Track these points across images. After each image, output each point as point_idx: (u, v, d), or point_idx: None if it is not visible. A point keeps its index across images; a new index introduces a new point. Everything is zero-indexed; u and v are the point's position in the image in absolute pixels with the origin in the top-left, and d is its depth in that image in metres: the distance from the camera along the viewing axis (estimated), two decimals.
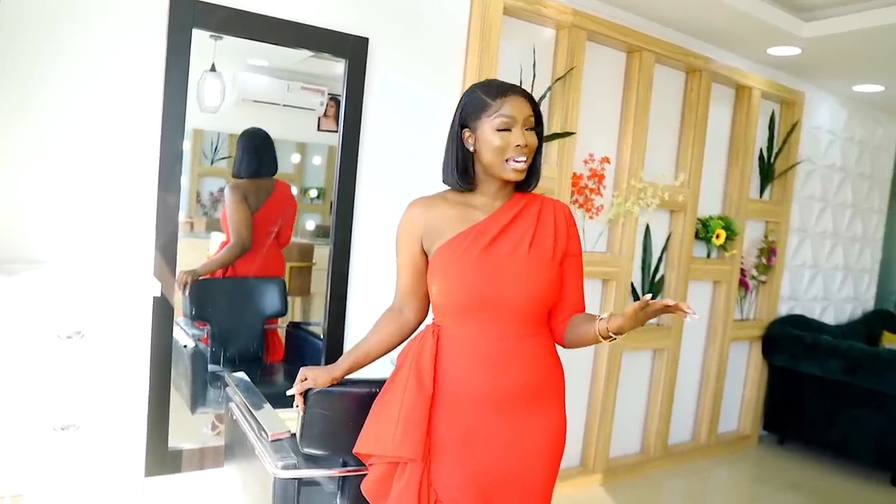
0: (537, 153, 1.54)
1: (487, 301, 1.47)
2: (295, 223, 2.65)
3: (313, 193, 2.72)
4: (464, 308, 1.49)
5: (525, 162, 1.48)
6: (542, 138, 1.55)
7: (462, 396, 1.48)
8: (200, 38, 2.18)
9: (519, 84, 2.79)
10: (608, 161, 3.16)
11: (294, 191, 2.66)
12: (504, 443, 1.48)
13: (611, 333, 1.42)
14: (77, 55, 1.99)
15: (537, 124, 1.53)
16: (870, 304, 5.19)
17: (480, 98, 1.51)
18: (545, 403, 1.53)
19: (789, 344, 4.03)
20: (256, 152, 2.50)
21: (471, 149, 1.53)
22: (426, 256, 1.57)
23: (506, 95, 1.48)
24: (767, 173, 4.03)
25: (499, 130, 1.47)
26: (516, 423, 1.49)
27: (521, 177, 1.50)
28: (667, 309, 1.31)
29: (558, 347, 1.61)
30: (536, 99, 1.91)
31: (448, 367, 1.50)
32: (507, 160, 1.48)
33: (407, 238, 1.59)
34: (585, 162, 3.11)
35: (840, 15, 3.19)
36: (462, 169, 1.55)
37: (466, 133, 1.53)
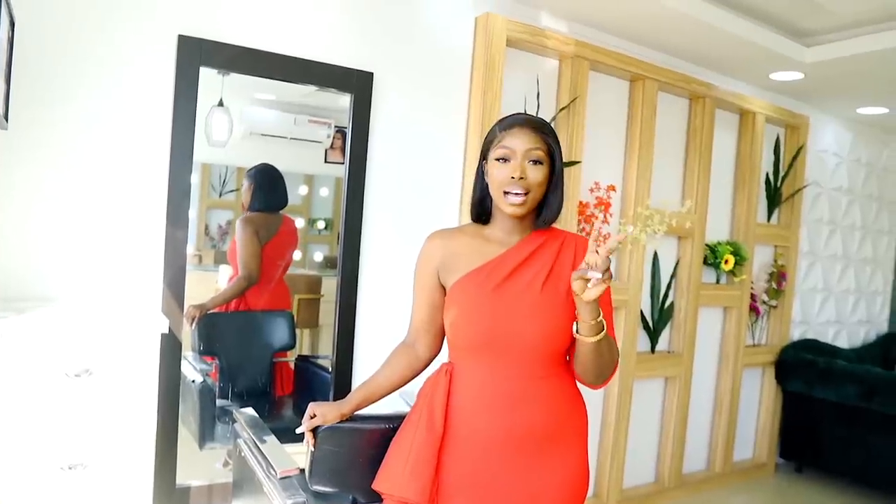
0: (554, 190, 1.49)
1: (497, 339, 1.43)
2: (304, 255, 2.66)
3: (321, 225, 2.74)
4: (475, 345, 1.46)
5: (522, 196, 1.43)
6: (558, 173, 1.49)
7: (473, 437, 1.44)
8: (208, 74, 2.21)
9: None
10: (614, 189, 3.16)
11: (301, 222, 2.67)
12: (515, 486, 1.43)
13: (581, 320, 1.34)
14: (86, 93, 2.02)
15: (553, 159, 1.48)
16: (884, 327, 5.13)
17: (493, 130, 1.51)
18: (563, 446, 1.47)
19: (803, 369, 3.97)
20: (270, 188, 2.52)
21: (487, 181, 1.51)
22: (443, 290, 1.54)
23: (511, 127, 1.46)
24: (774, 197, 4.02)
25: (497, 161, 1.46)
26: (530, 467, 1.43)
27: (518, 211, 1.45)
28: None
29: (585, 390, 1.54)
30: None
31: (460, 407, 1.46)
32: (505, 193, 1.44)
33: (424, 270, 1.56)
34: (591, 190, 3.11)
35: (842, 40, 3.21)
36: (479, 200, 1.54)
37: (485, 165, 1.52)
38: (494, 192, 1.47)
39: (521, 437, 1.43)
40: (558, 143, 1.51)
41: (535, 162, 1.45)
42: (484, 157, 1.53)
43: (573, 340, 1.45)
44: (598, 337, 1.37)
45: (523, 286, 1.45)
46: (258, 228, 2.51)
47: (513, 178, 1.43)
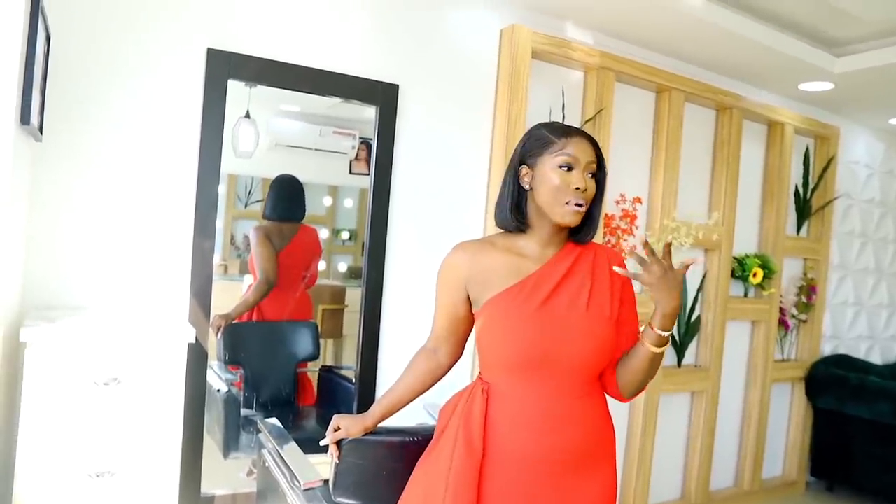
0: (596, 203, 1.45)
1: (546, 359, 1.38)
2: (328, 265, 2.67)
3: (345, 235, 2.75)
4: (517, 366, 1.40)
5: (583, 207, 1.39)
6: (602, 188, 1.46)
7: (512, 458, 1.40)
8: (235, 86, 2.24)
9: None
10: (640, 201, 3.13)
11: (326, 233, 2.68)
12: None
13: (657, 331, 1.37)
14: (117, 105, 2.06)
15: (599, 172, 1.44)
16: None
17: (545, 135, 1.44)
18: (597, 466, 1.44)
19: (834, 385, 3.88)
20: (289, 199, 2.54)
21: (526, 187, 1.45)
22: (469, 304, 1.50)
23: (571, 135, 1.41)
24: (804, 209, 3.95)
25: (560, 168, 1.40)
26: (566, 487, 1.40)
27: (577, 221, 1.40)
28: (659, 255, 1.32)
29: (614, 405, 1.53)
30: None
31: (498, 428, 1.41)
32: (565, 202, 1.39)
33: (449, 282, 1.50)
34: (617, 202, 3.08)
35: (872, 49, 3.15)
36: (514, 206, 1.46)
37: (524, 170, 1.45)
38: (550, 198, 1.40)
39: (559, 457, 1.40)
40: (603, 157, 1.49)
41: (593, 175, 1.42)
42: (523, 161, 1.46)
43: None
44: (663, 349, 1.39)
45: (568, 304, 1.41)
46: (270, 235, 2.53)
47: (577, 188, 1.38)
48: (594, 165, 1.42)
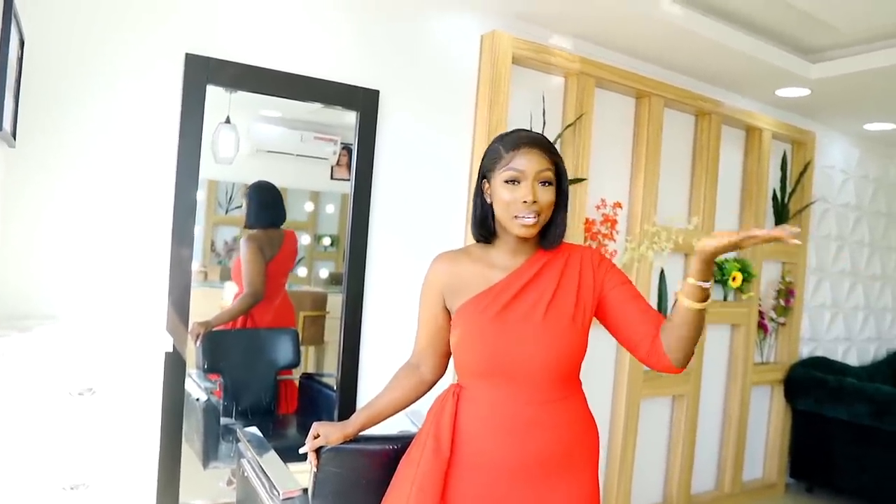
0: (560, 209, 1.46)
1: (501, 366, 1.41)
2: (309, 271, 2.65)
3: (326, 241, 2.73)
4: (480, 372, 1.44)
5: (534, 219, 1.40)
6: (564, 194, 1.46)
7: (480, 462, 1.42)
8: (215, 91, 2.22)
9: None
10: (620, 206, 3.15)
11: (307, 239, 2.67)
12: None
13: (697, 283, 1.30)
14: (92, 111, 2.03)
15: (561, 179, 1.45)
16: (894, 344, 5.07)
17: (497, 149, 1.45)
18: (571, 473, 1.43)
19: (813, 387, 3.92)
20: (272, 205, 2.52)
21: (489, 200, 1.48)
22: (448, 313, 1.53)
23: (519, 148, 1.41)
24: (782, 214, 4.00)
25: (507, 183, 1.41)
26: (540, 493, 1.40)
27: (530, 233, 1.42)
28: (769, 238, 1.20)
29: (595, 408, 1.53)
30: None
31: (467, 430, 1.44)
32: (514, 216, 1.40)
33: (429, 293, 1.54)
34: (598, 207, 3.10)
35: (847, 56, 3.20)
36: (480, 221, 1.49)
37: (485, 185, 1.48)
38: (503, 214, 1.43)
39: (532, 463, 1.40)
40: (562, 160, 1.48)
41: (546, 183, 1.42)
42: (484, 175, 1.49)
43: (582, 360, 1.45)
44: (703, 304, 1.32)
45: (526, 311, 1.43)
46: (262, 245, 2.50)
47: (525, 202, 1.39)
48: (548, 173, 1.42)
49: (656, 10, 2.71)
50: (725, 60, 3.15)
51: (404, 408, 1.61)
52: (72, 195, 2.01)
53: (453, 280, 1.50)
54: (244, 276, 2.47)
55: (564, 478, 1.43)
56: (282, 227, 2.58)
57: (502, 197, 1.42)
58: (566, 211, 1.49)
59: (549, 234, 1.47)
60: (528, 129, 1.60)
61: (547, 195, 1.42)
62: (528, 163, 1.40)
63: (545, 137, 1.48)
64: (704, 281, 1.32)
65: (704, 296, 1.33)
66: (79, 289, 2.03)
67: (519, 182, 1.40)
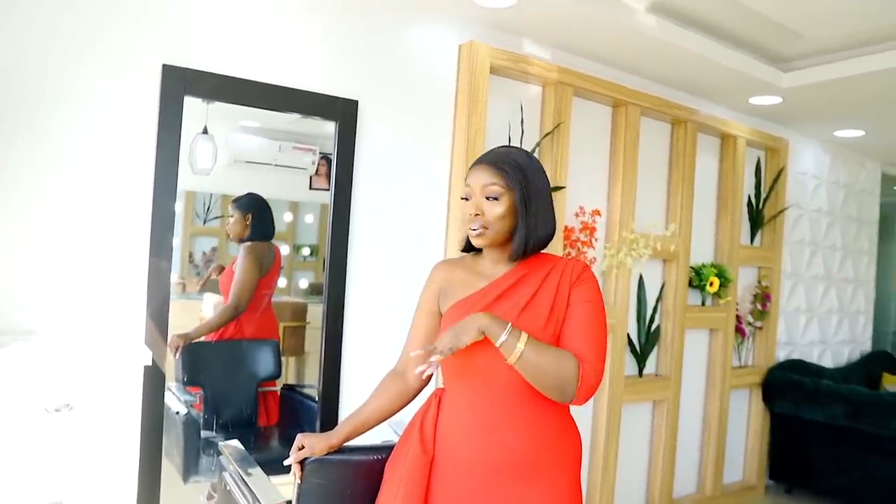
0: (521, 218, 1.47)
1: (475, 367, 1.47)
2: (289, 282, 2.64)
3: (306, 251, 2.72)
4: (457, 373, 1.51)
5: (479, 230, 1.49)
6: (520, 204, 1.47)
7: (456, 462, 1.46)
8: (193, 102, 2.21)
9: (507, 140, 2.84)
10: (599, 213, 3.18)
11: (286, 249, 2.65)
12: None
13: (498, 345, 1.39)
14: (68, 122, 2.00)
15: (509, 192, 1.47)
16: (867, 346, 5.17)
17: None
18: (547, 476, 1.45)
19: (790, 390, 3.98)
20: (270, 218, 2.53)
21: None
22: (440, 316, 1.62)
23: (472, 167, 1.54)
24: (757, 219, 4.07)
25: (462, 199, 1.54)
26: (510, 495, 1.42)
27: (480, 244, 1.51)
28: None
29: (576, 414, 1.57)
30: None
31: (446, 431, 1.49)
32: (469, 229, 1.52)
33: (426, 295, 1.65)
34: (576, 215, 3.13)
35: (818, 65, 3.28)
36: (466, 235, 1.60)
37: None
38: (463, 227, 1.55)
39: (500, 464, 1.43)
40: (526, 174, 1.48)
41: (491, 198, 1.48)
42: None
43: None
44: (513, 358, 1.37)
45: (500, 316, 1.44)
46: (261, 259, 2.50)
47: (471, 214, 1.50)
48: (494, 188, 1.47)
49: (632, 20, 2.75)
50: (700, 70, 3.21)
51: (390, 416, 1.62)
52: (48, 208, 1.98)
53: (447, 284, 1.61)
54: (234, 286, 2.44)
55: (541, 481, 1.44)
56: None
57: (461, 211, 1.57)
58: (530, 223, 1.49)
59: (514, 246, 1.51)
60: (509, 144, 1.66)
61: (493, 208, 1.48)
62: (474, 179, 1.51)
63: (506, 155, 1.51)
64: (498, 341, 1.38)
65: (508, 351, 1.38)
66: (56, 303, 2.00)
67: (468, 198, 1.52)
